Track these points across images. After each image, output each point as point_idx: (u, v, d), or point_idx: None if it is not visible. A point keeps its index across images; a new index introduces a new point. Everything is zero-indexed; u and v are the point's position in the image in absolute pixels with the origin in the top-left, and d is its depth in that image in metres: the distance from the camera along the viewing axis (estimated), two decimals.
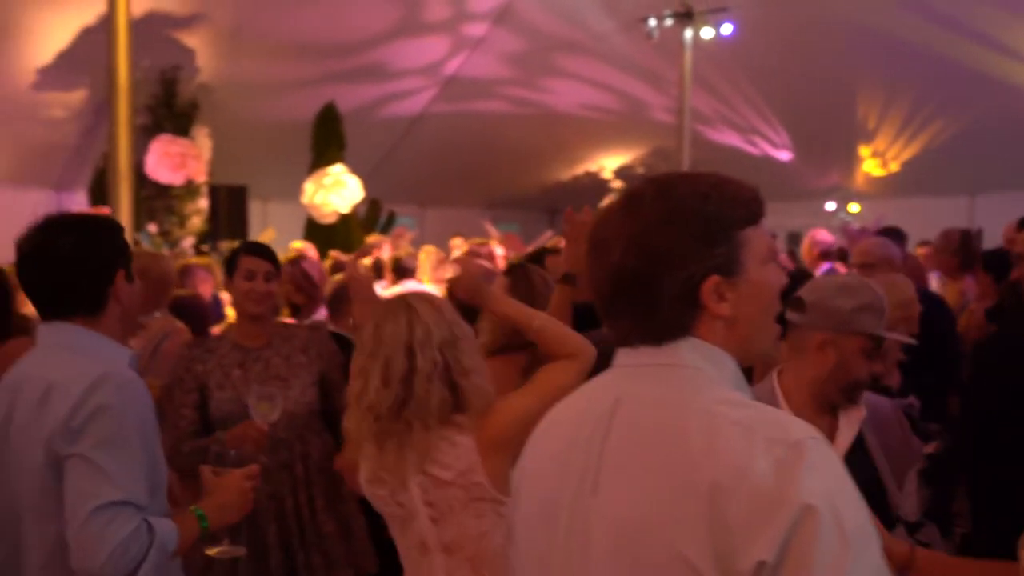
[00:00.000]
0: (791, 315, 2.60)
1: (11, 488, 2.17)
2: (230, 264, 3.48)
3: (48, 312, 2.24)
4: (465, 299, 2.85)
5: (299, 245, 9.25)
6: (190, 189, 13.56)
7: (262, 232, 13.16)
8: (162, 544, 2.05)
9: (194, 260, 6.85)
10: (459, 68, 16.88)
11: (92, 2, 12.11)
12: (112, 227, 2.32)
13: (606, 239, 1.51)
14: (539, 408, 2.45)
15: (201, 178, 13.63)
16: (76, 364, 2.15)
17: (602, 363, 1.99)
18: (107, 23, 9.14)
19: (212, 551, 2.50)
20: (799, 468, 1.29)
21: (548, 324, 2.69)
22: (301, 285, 4.74)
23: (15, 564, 2.17)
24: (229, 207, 12.63)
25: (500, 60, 16.63)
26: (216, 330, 4.69)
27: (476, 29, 16.10)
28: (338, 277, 5.05)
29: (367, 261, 8.05)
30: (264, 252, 3.49)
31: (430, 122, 17.64)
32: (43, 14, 12.60)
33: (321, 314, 4.86)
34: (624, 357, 1.54)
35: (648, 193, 1.51)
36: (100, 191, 13.38)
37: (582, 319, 3.93)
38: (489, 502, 2.45)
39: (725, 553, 1.29)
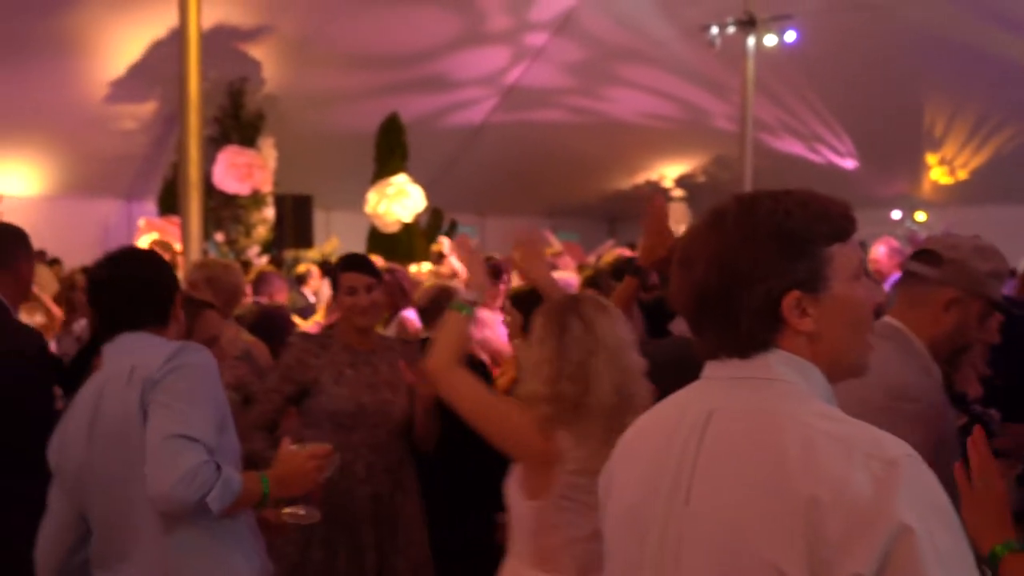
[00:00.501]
0: (918, 267, 2.51)
1: (115, 458, 2.39)
2: (333, 279, 3.59)
3: (119, 327, 2.52)
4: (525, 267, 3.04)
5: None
6: (256, 199, 13.79)
7: (326, 241, 13.35)
8: (228, 481, 2.21)
9: (270, 268, 6.95)
10: (520, 78, 16.94)
11: (163, 16, 12.39)
12: (165, 262, 2.71)
13: (690, 256, 1.54)
14: None
15: (267, 188, 13.85)
16: (154, 348, 2.44)
17: (671, 370, 2.02)
18: (178, 36, 9.33)
19: (285, 511, 2.58)
20: (896, 485, 1.30)
21: None
22: (393, 294, 4.81)
23: (130, 524, 2.39)
24: (294, 216, 12.82)
25: (560, 69, 16.66)
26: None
27: (537, 39, 16.16)
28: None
29: (443, 269, 8.13)
30: (363, 266, 3.57)
31: (491, 132, 17.73)
32: (116, 28, 12.92)
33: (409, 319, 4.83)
34: (714, 369, 1.56)
35: (732, 210, 1.53)
36: (169, 201, 13.68)
37: (650, 316, 3.95)
38: None
39: (820, 566, 1.31)
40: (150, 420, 2.26)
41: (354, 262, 3.61)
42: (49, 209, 14.86)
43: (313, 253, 12.40)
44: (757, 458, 1.42)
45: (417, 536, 3.46)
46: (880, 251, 7.54)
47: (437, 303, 4.33)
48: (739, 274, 1.47)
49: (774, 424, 1.43)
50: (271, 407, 3.46)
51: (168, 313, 2.58)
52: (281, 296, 6.16)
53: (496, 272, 5.19)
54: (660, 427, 1.60)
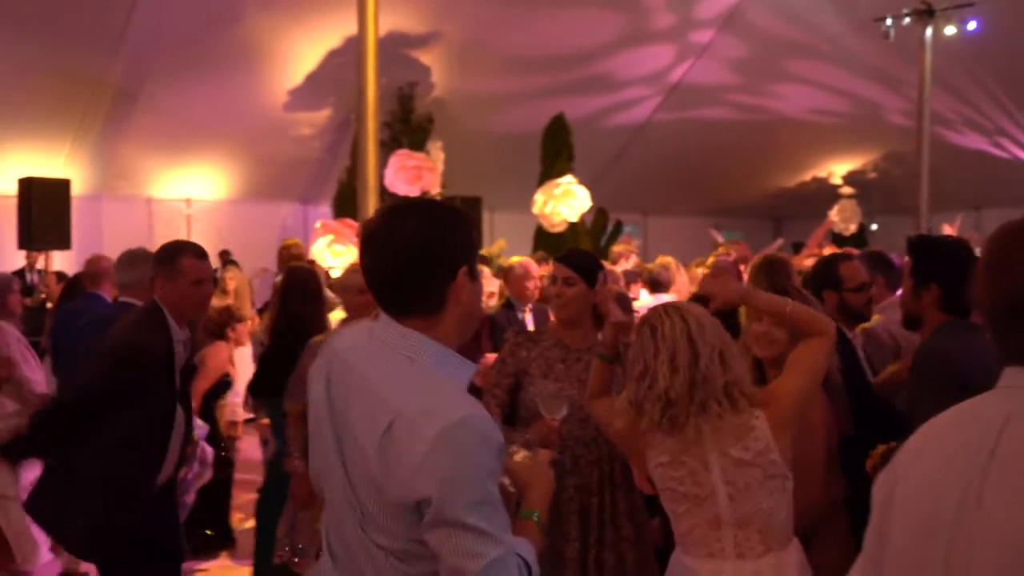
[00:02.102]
0: None
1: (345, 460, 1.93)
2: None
3: (387, 305, 1.94)
4: (725, 304, 3.03)
5: (620, 248, 9.61)
6: None
7: (494, 243, 13.56)
8: (533, 567, 1.92)
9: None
10: (684, 75, 16.81)
11: (339, 26, 12.90)
12: (461, 217, 1.99)
13: (1006, 262, 1.53)
14: (809, 385, 2.80)
15: (435, 190, 14.17)
16: (421, 391, 1.83)
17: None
18: (352, 45, 9.68)
19: (517, 454, 2.49)
20: None
21: (798, 308, 2.91)
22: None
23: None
24: None
25: (725, 66, 16.44)
26: None
27: (702, 36, 16.01)
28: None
29: (617, 269, 8.15)
30: (565, 258, 3.62)
31: (654, 130, 17.65)
32: (295, 39, 13.51)
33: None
34: (1012, 378, 1.54)
35: None
36: (343, 204, 14.20)
37: None
38: (780, 478, 2.71)
39: None
40: (448, 540, 1.78)
41: (563, 254, 3.67)
42: (232, 212, 15.68)
43: (482, 254, 12.63)
44: None
45: (626, 532, 3.48)
46: None
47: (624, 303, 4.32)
48: None
49: None
50: (495, 402, 3.56)
51: (443, 298, 1.95)
52: None
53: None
54: (950, 431, 1.60)
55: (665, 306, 2.87)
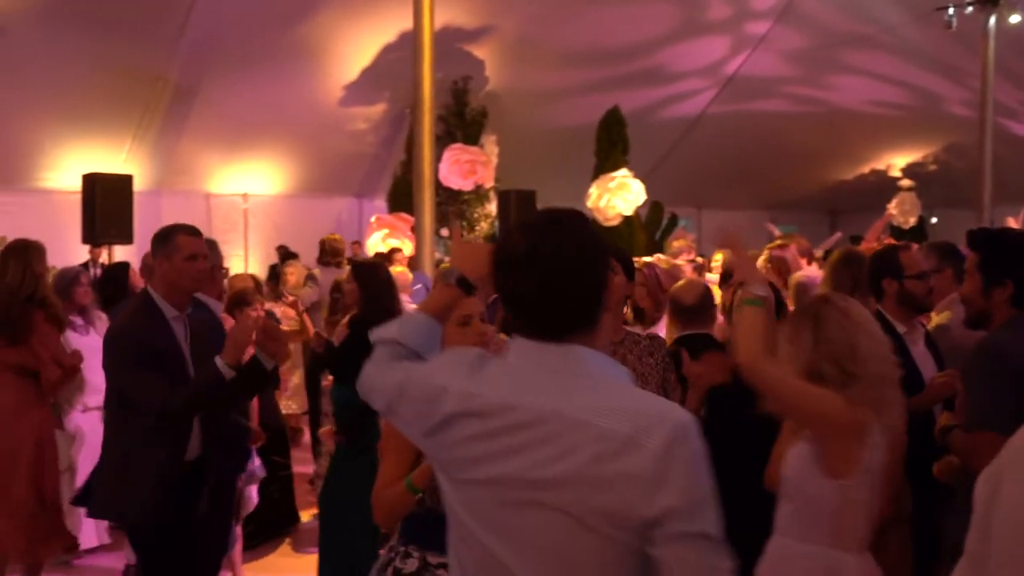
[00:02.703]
0: None
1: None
2: None
3: (544, 328, 1.76)
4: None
5: (681, 243, 9.53)
6: (479, 194, 14.19)
7: None
8: None
9: None
10: (740, 67, 16.66)
11: (393, 21, 12.97)
12: (588, 220, 1.87)
13: None
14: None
15: (489, 184, 14.24)
16: (621, 406, 1.68)
17: None
18: (407, 40, 9.74)
19: None
20: None
21: (798, 400, 2.88)
22: (652, 290, 4.78)
23: None
24: (519, 211, 13.09)
25: (782, 58, 16.27)
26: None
27: (758, 27, 15.85)
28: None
29: (679, 262, 8.10)
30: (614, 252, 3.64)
31: (709, 123, 17.52)
32: (351, 35, 13.61)
33: (661, 327, 4.62)
34: None
35: None
36: (397, 198, 14.30)
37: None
38: None
39: None
40: (684, 555, 1.63)
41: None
42: (289, 206, 15.86)
43: None
44: None
45: None
46: None
47: (704, 302, 4.21)
48: None
49: None
50: None
51: (600, 308, 1.80)
52: None
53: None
54: None
55: (815, 300, 3.01)
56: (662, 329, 4.53)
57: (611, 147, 14.39)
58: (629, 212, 13.65)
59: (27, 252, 4.91)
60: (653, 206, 15.36)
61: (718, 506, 1.63)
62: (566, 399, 1.67)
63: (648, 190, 14.02)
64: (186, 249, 3.76)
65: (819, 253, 10.23)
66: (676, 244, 9.87)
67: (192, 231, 3.86)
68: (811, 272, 5.28)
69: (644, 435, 1.59)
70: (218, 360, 3.53)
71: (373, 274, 5.07)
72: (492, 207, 14.36)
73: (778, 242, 6.81)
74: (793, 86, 17.12)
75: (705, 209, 20.15)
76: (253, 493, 5.40)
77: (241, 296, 5.93)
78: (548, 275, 1.71)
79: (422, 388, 1.86)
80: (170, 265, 3.75)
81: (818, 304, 2.90)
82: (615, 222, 13.53)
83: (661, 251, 10.45)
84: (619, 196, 13.11)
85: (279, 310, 7.68)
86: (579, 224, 1.78)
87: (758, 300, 2.77)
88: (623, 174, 13.20)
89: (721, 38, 15.84)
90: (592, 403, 1.66)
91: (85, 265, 11.20)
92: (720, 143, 17.41)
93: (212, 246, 4.68)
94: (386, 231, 11.83)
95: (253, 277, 7.41)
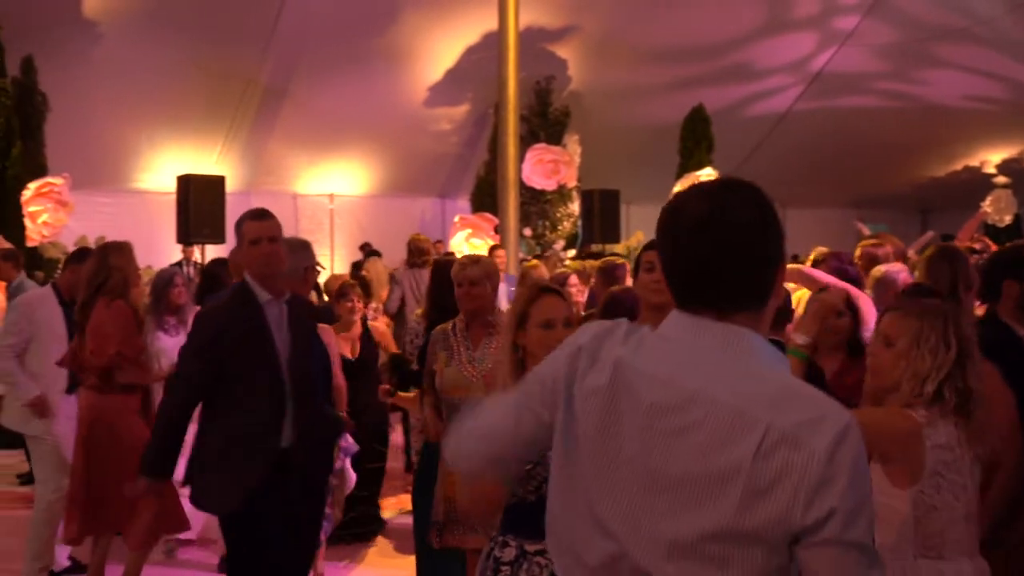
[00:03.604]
0: None
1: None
2: (636, 261, 3.65)
3: (707, 300, 1.62)
4: None
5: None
6: (562, 194, 14.19)
7: (631, 236, 13.51)
8: None
9: (620, 260, 7.15)
10: (827, 63, 16.34)
11: (477, 22, 13.07)
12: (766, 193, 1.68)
13: None
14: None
15: (572, 183, 14.23)
16: (785, 398, 1.54)
17: None
18: (491, 41, 9.80)
19: None
20: None
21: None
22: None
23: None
24: (602, 211, 13.07)
25: (871, 52, 15.90)
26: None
27: (846, 22, 15.53)
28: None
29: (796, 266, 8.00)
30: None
31: (795, 120, 17.23)
32: (436, 37, 13.74)
33: None
34: None
35: None
36: (481, 198, 14.39)
37: None
38: None
39: None
40: (831, 565, 1.50)
41: (651, 243, 3.67)
42: (374, 207, 16.08)
43: (620, 247, 12.59)
44: None
45: None
46: None
47: (782, 305, 4.23)
48: None
49: None
50: None
51: (771, 288, 1.65)
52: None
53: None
54: None
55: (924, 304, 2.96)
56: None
57: (695, 145, 14.28)
58: None
59: (107, 247, 5.08)
60: None
61: (873, 518, 1.53)
62: (724, 384, 1.54)
63: None
64: (249, 234, 3.86)
65: (912, 253, 9.99)
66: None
67: (258, 214, 3.94)
68: (893, 267, 5.15)
69: (808, 433, 1.47)
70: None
71: (443, 274, 5.06)
72: (575, 207, 14.35)
73: (873, 240, 6.68)
74: (883, 81, 16.73)
75: (791, 208, 19.79)
76: (350, 471, 5.48)
77: (341, 290, 6.09)
78: (727, 241, 1.58)
79: (539, 379, 1.77)
80: (242, 251, 3.89)
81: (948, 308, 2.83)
82: None
83: None
84: None
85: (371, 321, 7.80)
86: (760, 194, 1.64)
87: (800, 351, 2.71)
88: (708, 172, 13.07)
89: (808, 33, 15.56)
90: (753, 391, 1.53)
91: (179, 264, 11.51)
92: (807, 140, 17.12)
93: (305, 247, 4.76)
94: (469, 231, 11.90)
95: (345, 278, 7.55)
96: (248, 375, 3.81)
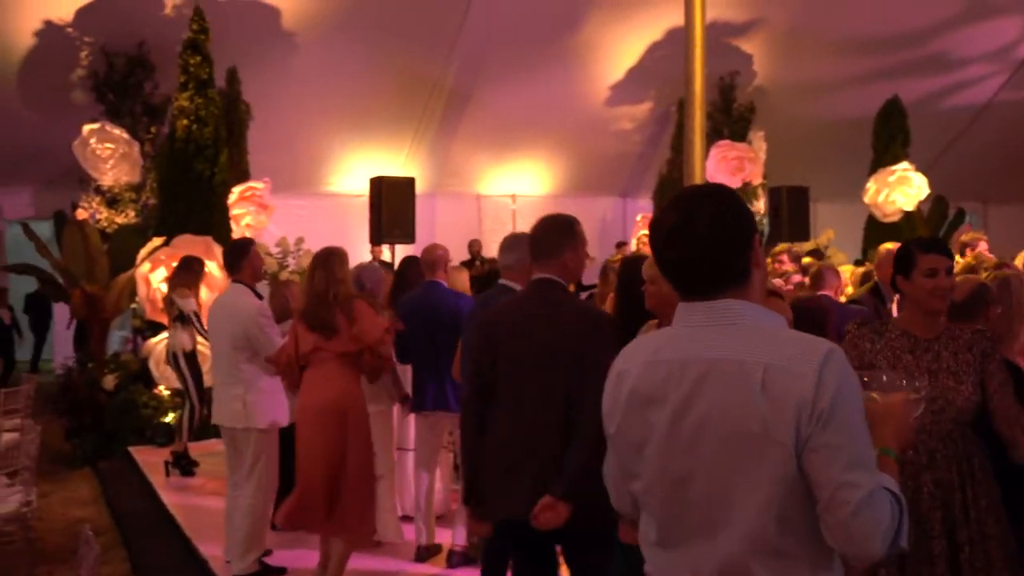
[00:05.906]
0: None
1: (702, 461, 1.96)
2: (905, 262, 3.52)
3: (698, 289, 2.01)
4: None
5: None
6: (747, 191, 13.90)
7: (821, 234, 13.10)
8: (901, 503, 1.96)
9: (821, 264, 6.94)
10: None
11: (660, 19, 12.96)
12: (735, 193, 2.14)
13: None
14: None
15: (758, 180, 13.92)
16: (773, 343, 1.93)
17: None
18: (673, 37, 9.68)
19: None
20: None
21: None
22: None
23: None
24: (790, 208, 12.71)
25: None
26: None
27: None
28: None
29: (960, 259, 7.61)
30: (941, 248, 3.53)
31: (998, 111, 16.28)
32: (617, 36, 13.71)
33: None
34: None
35: None
36: (663, 197, 14.24)
37: None
38: None
39: None
40: (824, 466, 1.85)
41: (932, 245, 3.55)
42: (555, 206, 16.04)
43: (808, 245, 12.23)
44: None
45: (991, 530, 3.34)
46: None
47: (975, 300, 3.98)
48: None
49: None
50: None
51: (747, 267, 2.04)
52: (832, 289, 6.12)
53: None
54: None
55: None
56: None
57: (890, 139, 13.71)
58: (910, 207, 12.96)
59: (330, 260, 5.23)
60: (936, 201, 14.49)
61: (868, 439, 1.90)
62: (727, 343, 1.95)
63: (931, 184, 13.25)
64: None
65: None
66: (963, 237, 9.30)
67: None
68: None
69: (799, 363, 1.86)
70: None
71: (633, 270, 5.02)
72: (761, 204, 14.03)
73: None
74: None
75: (992, 204, 18.75)
76: None
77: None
78: (692, 247, 1.97)
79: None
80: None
81: None
82: (894, 218, 12.89)
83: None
84: (899, 191, 12.48)
85: None
86: (723, 199, 2.03)
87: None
88: (903, 167, 12.55)
89: (1012, 19, 14.67)
90: (749, 343, 1.93)
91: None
92: (1010, 133, 16.17)
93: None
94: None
95: None
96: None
